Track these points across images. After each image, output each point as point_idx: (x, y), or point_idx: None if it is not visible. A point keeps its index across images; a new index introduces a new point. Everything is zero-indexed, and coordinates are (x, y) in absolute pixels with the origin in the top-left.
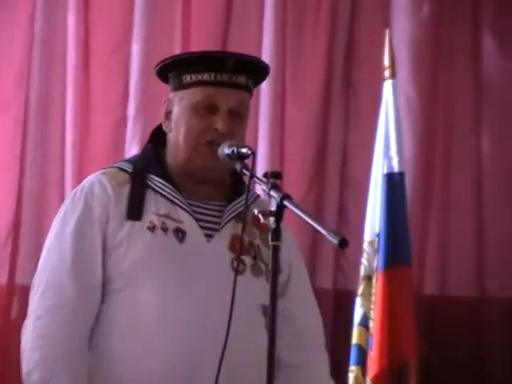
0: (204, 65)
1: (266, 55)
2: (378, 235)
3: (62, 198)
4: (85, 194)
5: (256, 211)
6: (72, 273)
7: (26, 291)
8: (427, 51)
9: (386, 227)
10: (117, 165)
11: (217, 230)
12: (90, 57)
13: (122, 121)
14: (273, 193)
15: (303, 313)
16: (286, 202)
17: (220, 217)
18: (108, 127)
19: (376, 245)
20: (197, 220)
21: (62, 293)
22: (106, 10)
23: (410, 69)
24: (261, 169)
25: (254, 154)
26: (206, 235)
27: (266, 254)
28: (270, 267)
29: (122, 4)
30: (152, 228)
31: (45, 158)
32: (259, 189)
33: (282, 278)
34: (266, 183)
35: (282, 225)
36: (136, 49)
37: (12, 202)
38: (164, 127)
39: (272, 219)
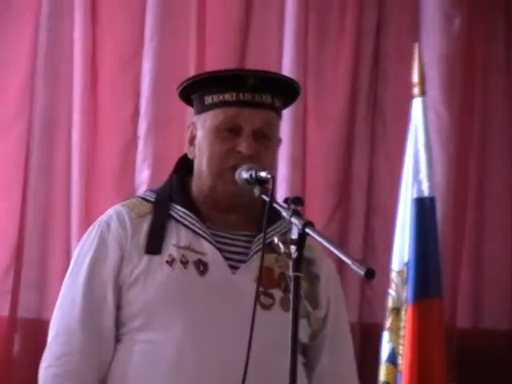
0: (225, 84)
1: (286, 72)
2: (407, 264)
3: (67, 227)
4: (101, 230)
5: (276, 239)
6: (82, 320)
7: (28, 324)
8: (459, 68)
9: (415, 256)
10: (140, 195)
11: (243, 262)
12: (98, 74)
13: (132, 142)
14: (294, 220)
15: (337, 360)
16: (308, 230)
17: (248, 247)
18: (117, 150)
19: (405, 275)
20: (221, 251)
21: (72, 341)
22: (115, 23)
23: (440, 86)
24: (281, 193)
25: (273, 178)
26: (231, 267)
27: (302, 286)
28: (305, 301)
29: (132, 17)
30: (171, 262)
31: (49, 184)
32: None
33: (319, 313)
34: (287, 209)
35: (320, 254)
36: (147, 65)
37: (14, 231)
38: (188, 154)
39: (294, 248)
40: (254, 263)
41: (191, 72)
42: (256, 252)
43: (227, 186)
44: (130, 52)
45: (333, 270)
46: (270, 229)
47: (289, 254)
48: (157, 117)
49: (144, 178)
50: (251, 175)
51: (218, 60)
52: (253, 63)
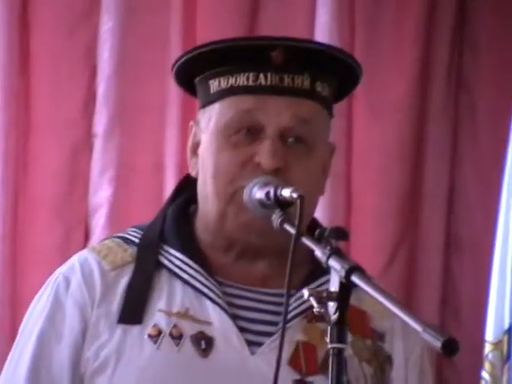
0: (238, 60)
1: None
2: (509, 332)
3: None
4: (56, 289)
5: (306, 293)
6: None
7: None
8: None
9: None
10: (121, 234)
11: (270, 335)
12: (31, 41)
13: (84, 145)
14: (333, 262)
15: None
16: (354, 278)
17: (279, 313)
18: (60, 157)
19: (505, 348)
20: (235, 318)
21: None
22: None
23: None
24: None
25: (301, 198)
26: (251, 343)
27: (361, 373)
28: None
29: None
30: (156, 336)
31: None
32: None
33: None
34: (323, 247)
35: (394, 324)
36: (107, 27)
37: None
38: (190, 169)
39: (333, 306)
40: (289, 337)
41: (175, 35)
42: (290, 320)
43: (243, 215)
44: (80, 8)
45: (416, 347)
46: (314, 284)
47: (325, 316)
48: (123, 104)
49: (102, 199)
50: (268, 194)
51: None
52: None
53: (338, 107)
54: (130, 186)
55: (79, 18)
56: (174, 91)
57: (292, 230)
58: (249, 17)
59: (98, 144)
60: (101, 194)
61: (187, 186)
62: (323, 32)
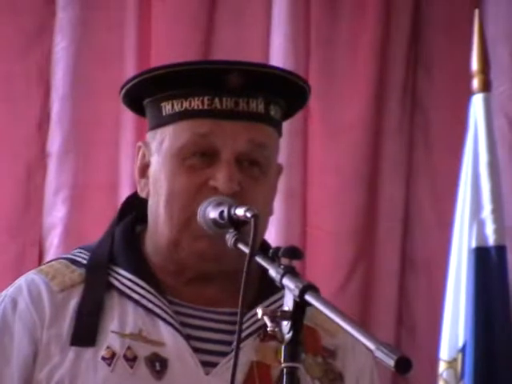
0: (193, 84)
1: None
2: (463, 350)
3: None
4: (2, 311)
5: (260, 312)
6: None
7: None
8: None
9: (476, 337)
10: (67, 255)
11: (224, 355)
12: None
13: (38, 164)
14: (287, 282)
15: None
16: (308, 297)
17: (233, 332)
18: (13, 176)
19: (460, 367)
20: (189, 339)
21: None
22: None
23: None
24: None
25: (255, 217)
26: (205, 364)
27: None
28: None
29: None
30: (110, 358)
31: None
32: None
33: None
34: (277, 266)
35: (345, 341)
36: (62, 45)
37: None
38: (139, 190)
39: (286, 325)
40: (242, 356)
41: (130, 52)
42: (244, 339)
43: (198, 243)
44: (33, 27)
45: (367, 363)
46: (267, 302)
47: (279, 336)
48: (77, 123)
49: (57, 219)
50: (221, 213)
51: (171, 46)
52: (224, 57)
53: (294, 126)
54: (84, 206)
55: (33, 37)
56: (128, 110)
57: (246, 250)
58: (204, 37)
59: (53, 164)
60: (55, 214)
61: (133, 206)
62: (278, 53)
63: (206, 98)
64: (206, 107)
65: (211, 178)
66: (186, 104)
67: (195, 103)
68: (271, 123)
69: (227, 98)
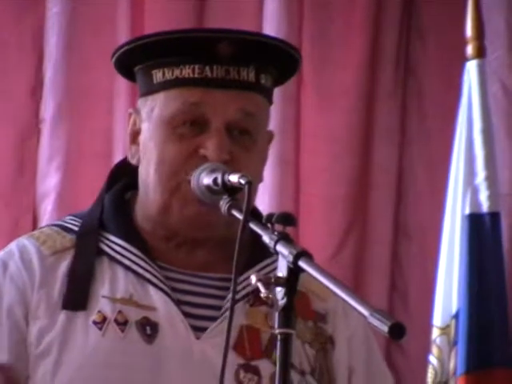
0: (184, 52)
1: (271, 31)
2: (457, 317)
3: None
4: None
5: (254, 278)
6: None
7: None
8: None
9: (469, 304)
10: (58, 222)
11: (214, 320)
12: None
13: (31, 131)
14: (281, 248)
15: None
16: (302, 263)
17: (223, 297)
18: (6, 143)
19: (453, 333)
20: (179, 304)
21: None
22: None
23: (509, 45)
24: (264, 208)
25: (249, 184)
26: (195, 328)
27: (303, 355)
28: (310, 378)
29: None
30: (101, 322)
31: None
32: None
33: None
34: (270, 232)
35: (335, 305)
36: (55, 10)
37: None
38: (130, 157)
39: (280, 291)
40: (233, 322)
41: (123, 20)
42: (235, 303)
43: (187, 208)
44: None
45: (359, 326)
46: (256, 267)
47: (272, 301)
48: (71, 90)
49: (50, 186)
50: (215, 180)
51: (163, 20)
52: (217, 23)
53: (287, 93)
54: (78, 173)
55: (26, 4)
56: (122, 77)
57: (240, 216)
58: (197, 4)
59: (46, 130)
60: (49, 181)
61: (123, 172)
62: (272, 19)
63: (196, 67)
64: (196, 75)
65: (201, 146)
66: (176, 72)
67: (186, 71)
68: (262, 92)
69: (218, 66)
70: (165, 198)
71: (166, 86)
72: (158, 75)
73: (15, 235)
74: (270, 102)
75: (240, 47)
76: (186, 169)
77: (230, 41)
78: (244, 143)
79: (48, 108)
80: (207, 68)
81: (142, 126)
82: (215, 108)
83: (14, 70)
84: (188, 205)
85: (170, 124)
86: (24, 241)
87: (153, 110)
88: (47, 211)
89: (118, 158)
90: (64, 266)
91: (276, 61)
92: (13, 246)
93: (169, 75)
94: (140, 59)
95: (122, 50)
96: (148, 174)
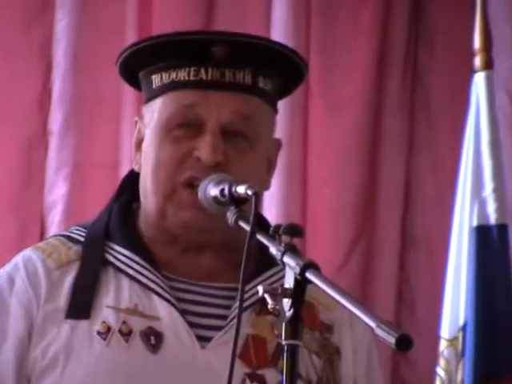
0: (179, 55)
1: (278, 37)
2: (464, 329)
3: None
4: (0, 289)
5: (261, 289)
6: None
7: None
8: None
9: (476, 315)
10: (64, 232)
11: (220, 329)
12: None
13: (39, 141)
14: (288, 259)
15: None
16: (309, 275)
17: (228, 307)
18: (14, 153)
19: (460, 345)
20: (184, 313)
21: None
22: None
23: None
24: (271, 219)
25: (256, 195)
26: (200, 338)
27: (310, 365)
28: None
29: None
30: (105, 332)
31: None
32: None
33: None
34: (278, 244)
35: (341, 316)
36: (63, 23)
37: None
38: (133, 164)
39: (287, 302)
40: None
41: (131, 28)
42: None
43: (182, 213)
44: (35, 4)
45: (364, 338)
46: (263, 276)
47: (279, 312)
48: (79, 100)
49: (58, 196)
50: (222, 191)
51: (171, 28)
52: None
53: (295, 103)
54: (85, 183)
55: (34, 14)
56: (129, 86)
57: (247, 227)
58: (205, 10)
59: (54, 141)
60: (56, 191)
61: (132, 183)
62: (279, 27)
63: (192, 69)
64: (191, 78)
65: (196, 148)
66: (173, 75)
67: (181, 74)
68: (261, 95)
69: (213, 68)
70: (160, 202)
71: (163, 90)
72: (156, 80)
73: (23, 245)
74: (274, 108)
75: (235, 49)
76: (180, 171)
77: (224, 43)
78: (240, 146)
79: (56, 118)
80: (202, 70)
81: (145, 132)
82: (210, 110)
83: (22, 81)
84: (183, 210)
85: (166, 127)
86: (30, 253)
87: (153, 116)
88: (55, 221)
89: (125, 168)
90: (69, 279)
91: (277, 65)
92: (19, 259)
93: (166, 79)
94: (140, 64)
95: (123, 56)
96: (146, 179)
